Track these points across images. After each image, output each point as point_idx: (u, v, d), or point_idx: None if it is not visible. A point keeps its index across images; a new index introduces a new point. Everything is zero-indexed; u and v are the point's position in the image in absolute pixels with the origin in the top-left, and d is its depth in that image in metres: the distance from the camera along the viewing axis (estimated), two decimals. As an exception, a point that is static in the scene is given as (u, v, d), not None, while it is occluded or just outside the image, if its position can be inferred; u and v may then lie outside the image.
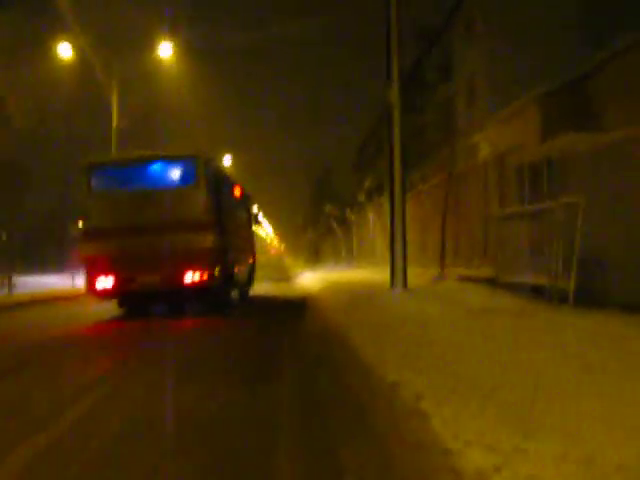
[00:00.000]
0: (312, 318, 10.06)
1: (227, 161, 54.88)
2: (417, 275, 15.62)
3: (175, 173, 10.95)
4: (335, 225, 34.29)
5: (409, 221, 22.52)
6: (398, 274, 11.03)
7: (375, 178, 20.47)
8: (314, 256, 54.99)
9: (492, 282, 11.39)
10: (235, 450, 3.22)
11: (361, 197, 24.75)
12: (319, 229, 46.97)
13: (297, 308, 11.34)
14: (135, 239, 10.29)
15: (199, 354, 6.63)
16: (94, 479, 2.89)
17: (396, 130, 11.09)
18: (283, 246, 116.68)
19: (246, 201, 15.39)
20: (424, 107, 26.09)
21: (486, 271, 12.46)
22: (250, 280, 14.78)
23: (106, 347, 7.77)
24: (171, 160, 11.07)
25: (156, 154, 11.43)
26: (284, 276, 28.56)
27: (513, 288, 10.23)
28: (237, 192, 13.47)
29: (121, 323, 10.43)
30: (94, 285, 10.51)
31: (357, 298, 11.07)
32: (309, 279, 23.41)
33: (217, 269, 10.49)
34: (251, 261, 15.27)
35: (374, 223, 25.04)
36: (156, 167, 11.05)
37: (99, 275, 10.43)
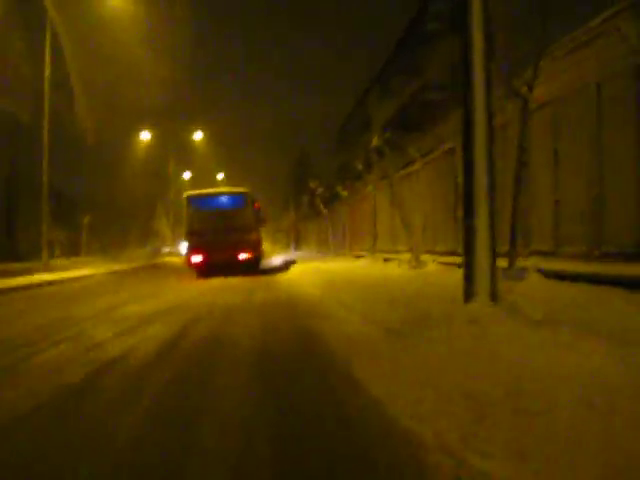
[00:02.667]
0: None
1: (197, 137, 49.34)
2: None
3: (234, 200, 19.08)
4: (321, 205, 29.01)
5: (425, 192, 17.34)
6: (480, 272, 5.77)
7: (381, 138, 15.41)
8: (295, 241, 49.65)
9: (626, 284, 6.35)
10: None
11: (358, 165, 19.46)
12: (301, 211, 41.65)
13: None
14: (214, 236, 18.12)
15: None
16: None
17: (476, 5, 5.79)
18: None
19: (259, 210, 21.22)
20: (424, 66, 21.31)
21: (608, 267, 7.35)
22: (261, 258, 21.93)
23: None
24: (232, 194, 19.51)
25: (225, 190, 20.76)
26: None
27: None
28: (257, 206, 20.10)
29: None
30: (191, 260, 18.27)
31: (411, 327, 5.77)
32: (293, 272, 18.26)
33: (254, 252, 18.71)
34: (262, 248, 22.67)
35: (377, 199, 19.81)
36: (224, 197, 19.40)
37: (193, 255, 18.13)
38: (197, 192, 20.96)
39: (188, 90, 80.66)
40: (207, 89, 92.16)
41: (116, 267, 27.52)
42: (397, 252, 18.99)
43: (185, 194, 19.73)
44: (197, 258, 18.02)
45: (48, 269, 21.86)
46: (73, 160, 49.31)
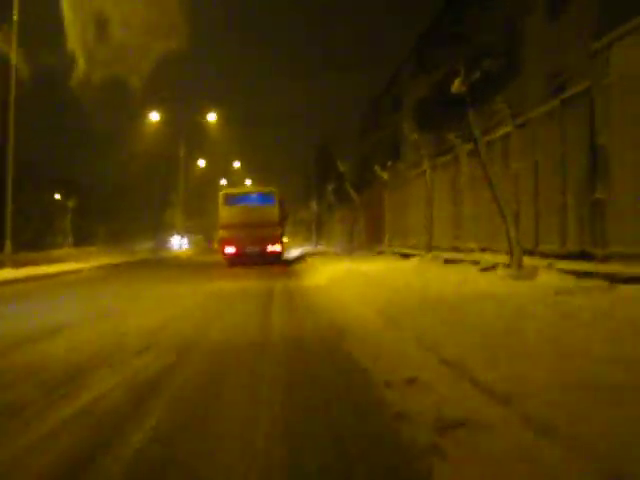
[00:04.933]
0: None
1: (210, 118, 44.71)
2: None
3: (264, 198, 21.93)
4: (352, 191, 24.46)
5: (518, 166, 12.42)
6: None
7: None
8: (317, 234, 45.08)
9: None
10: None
11: (412, 135, 14.82)
12: (324, 200, 36.95)
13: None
14: (245, 230, 20.48)
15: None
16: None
17: None
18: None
19: (284, 206, 23.88)
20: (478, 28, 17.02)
21: None
22: (284, 251, 25.11)
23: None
24: (263, 192, 22.64)
25: (257, 189, 24.92)
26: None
27: None
28: (281, 202, 22.65)
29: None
30: (224, 251, 21.08)
31: None
32: (323, 276, 13.54)
33: (279, 245, 21.47)
34: (285, 241, 27.96)
35: (434, 181, 15.17)
36: (256, 195, 22.61)
37: (227, 246, 20.90)
38: (231, 190, 25.50)
39: (206, 68, 76.11)
40: (222, 69, 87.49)
41: (109, 260, 23.28)
42: (461, 250, 14.32)
43: (221, 192, 23.26)
44: (230, 249, 20.85)
45: (16, 264, 17.51)
46: (82, 147, 45.31)
